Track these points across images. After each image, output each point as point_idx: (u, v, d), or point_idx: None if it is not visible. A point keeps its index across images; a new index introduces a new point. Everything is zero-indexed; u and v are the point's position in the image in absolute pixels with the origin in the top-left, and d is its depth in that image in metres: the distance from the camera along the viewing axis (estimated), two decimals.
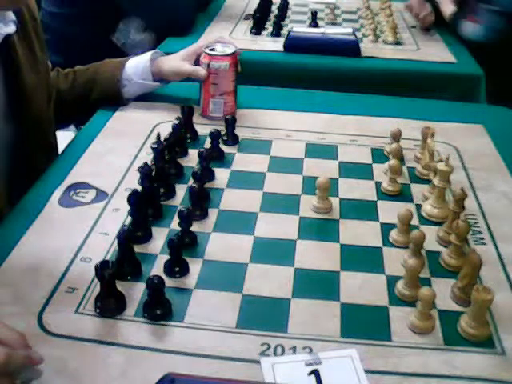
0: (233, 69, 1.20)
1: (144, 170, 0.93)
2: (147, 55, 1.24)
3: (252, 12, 1.92)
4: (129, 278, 0.78)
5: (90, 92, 1.24)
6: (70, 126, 1.85)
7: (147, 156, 1.06)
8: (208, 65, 1.18)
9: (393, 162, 0.99)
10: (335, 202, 0.96)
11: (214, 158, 1.04)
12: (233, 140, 1.13)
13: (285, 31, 1.79)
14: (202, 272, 0.81)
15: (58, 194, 0.95)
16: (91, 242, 0.85)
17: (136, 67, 1.24)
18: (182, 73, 1.24)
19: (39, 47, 1.11)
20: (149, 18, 1.87)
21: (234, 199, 0.97)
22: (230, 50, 1.21)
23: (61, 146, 1.12)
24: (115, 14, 1.98)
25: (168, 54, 1.29)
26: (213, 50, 1.21)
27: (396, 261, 0.84)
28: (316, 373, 0.66)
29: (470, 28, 1.68)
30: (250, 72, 1.60)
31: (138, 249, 0.82)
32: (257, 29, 1.81)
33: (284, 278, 0.80)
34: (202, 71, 1.20)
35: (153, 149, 1.00)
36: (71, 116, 1.33)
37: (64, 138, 1.44)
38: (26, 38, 1.07)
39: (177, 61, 1.25)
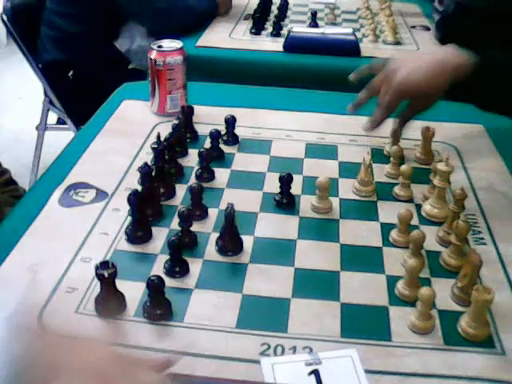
0: (185, 62, 1.21)
1: (144, 170, 0.93)
2: None
3: (252, 12, 1.92)
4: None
5: None
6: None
7: (147, 156, 1.06)
8: (164, 61, 1.17)
9: (405, 166, 0.97)
10: (335, 202, 0.96)
11: (214, 157, 1.05)
12: (233, 140, 1.13)
13: (285, 31, 1.79)
14: (202, 272, 0.81)
15: (57, 193, 0.95)
16: (91, 242, 0.85)
17: None
18: None
19: None
20: (154, 25, 1.87)
21: (234, 199, 0.96)
22: (178, 45, 1.20)
23: (61, 146, 1.12)
24: (118, 17, 1.99)
25: None
26: (160, 46, 1.20)
27: (396, 261, 0.84)
28: (316, 373, 0.66)
29: None
30: (250, 72, 1.60)
31: (138, 249, 0.82)
32: (256, 29, 1.81)
33: (284, 278, 0.80)
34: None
35: (153, 149, 1.00)
36: None
37: (64, 137, 1.45)
38: None
39: None
